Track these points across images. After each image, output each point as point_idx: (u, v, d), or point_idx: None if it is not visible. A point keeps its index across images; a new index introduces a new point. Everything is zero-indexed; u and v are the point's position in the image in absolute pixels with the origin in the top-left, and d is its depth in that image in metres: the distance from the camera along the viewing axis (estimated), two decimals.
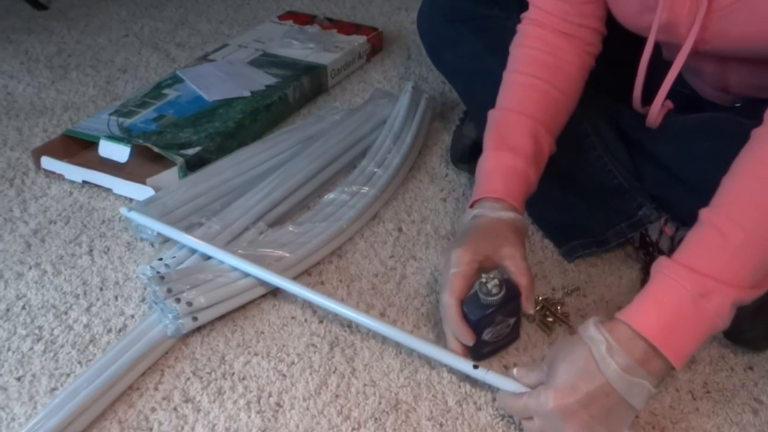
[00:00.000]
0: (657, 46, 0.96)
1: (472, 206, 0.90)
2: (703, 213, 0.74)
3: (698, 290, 0.70)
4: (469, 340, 0.83)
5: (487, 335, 0.85)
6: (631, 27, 0.92)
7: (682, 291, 0.71)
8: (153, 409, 0.83)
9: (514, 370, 0.79)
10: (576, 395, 0.72)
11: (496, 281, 0.82)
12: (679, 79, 0.99)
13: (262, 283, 0.96)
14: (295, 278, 1.00)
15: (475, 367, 0.82)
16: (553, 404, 0.72)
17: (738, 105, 0.99)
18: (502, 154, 0.89)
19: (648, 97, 0.96)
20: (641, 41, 0.93)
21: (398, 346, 0.90)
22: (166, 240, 1.07)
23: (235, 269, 0.96)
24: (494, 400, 0.83)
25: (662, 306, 0.72)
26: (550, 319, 0.93)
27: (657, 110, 0.95)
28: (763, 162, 0.73)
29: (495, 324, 0.84)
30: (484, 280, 0.82)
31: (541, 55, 0.94)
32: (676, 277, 0.71)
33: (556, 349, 0.76)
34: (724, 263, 0.71)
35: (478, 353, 0.86)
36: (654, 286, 0.73)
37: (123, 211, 1.05)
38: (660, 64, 0.93)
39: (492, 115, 0.94)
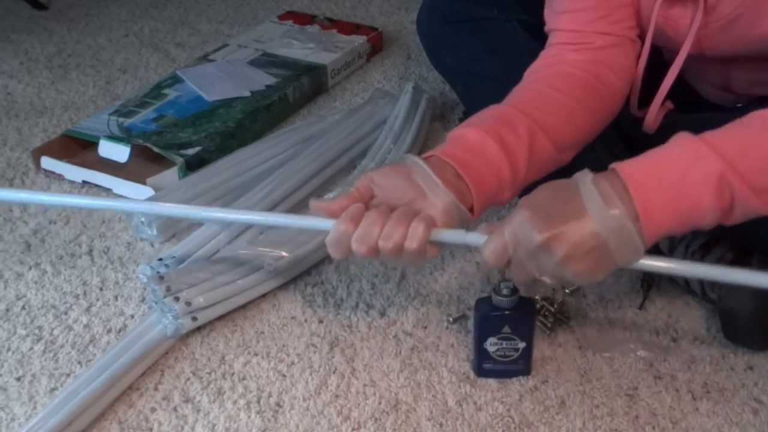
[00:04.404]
0: (658, 48, 0.96)
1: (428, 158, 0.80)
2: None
3: (692, 153, 0.68)
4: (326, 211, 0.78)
5: (491, 346, 0.84)
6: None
7: (675, 149, 0.69)
8: (153, 409, 0.83)
9: (481, 225, 0.75)
10: (546, 205, 0.70)
11: (509, 284, 0.82)
12: (680, 79, 1.00)
13: (261, 283, 0.96)
14: (295, 278, 1.00)
15: None
16: (524, 211, 0.69)
17: (740, 105, 0.99)
18: (457, 128, 0.81)
19: (648, 97, 0.96)
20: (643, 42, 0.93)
21: (398, 346, 0.90)
22: (167, 240, 1.07)
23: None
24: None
25: (650, 156, 0.70)
26: (551, 320, 0.93)
27: (654, 115, 0.94)
28: None
29: (501, 336, 0.83)
30: (501, 285, 0.82)
31: (550, 70, 0.89)
32: (678, 139, 0.70)
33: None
34: (727, 138, 0.68)
35: (478, 365, 0.86)
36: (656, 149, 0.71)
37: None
38: (660, 65, 0.93)
39: (494, 107, 0.86)
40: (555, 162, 0.85)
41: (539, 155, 0.82)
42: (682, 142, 0.70)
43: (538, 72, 0.89)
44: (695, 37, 0.84)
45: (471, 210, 0.78)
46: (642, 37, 0.91)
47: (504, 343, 0.84)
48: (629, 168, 0.69)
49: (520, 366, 0.85)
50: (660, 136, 0.97)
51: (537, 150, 0.81)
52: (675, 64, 0.87)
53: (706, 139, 0.69)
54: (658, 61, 0.94)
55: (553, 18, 0.91)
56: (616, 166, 0.70)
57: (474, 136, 0.79)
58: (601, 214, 0.67)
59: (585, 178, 0.70)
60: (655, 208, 0.68)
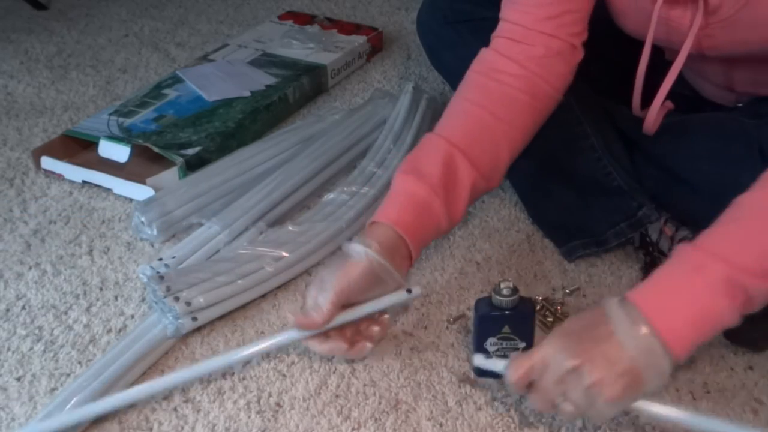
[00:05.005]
0: (660, 48, 0.96)
1: (371, 225, 0.85)
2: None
3: (692, 266, 0.69)
4: (316, 321, 0.81)
5: (491, 346, 0.84)
6: (636, 36, 0.93)
7: (677, 265, 0.71)
8: (153, 409, 0.83)
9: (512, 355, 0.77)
10: (576, 331, 0.72)
11: (510, 284, 0.82)
12: (680, 80, 1.00)
13: (261, 283, 0.96)
14: (295, 278, 1.00)
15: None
16: (554, 339, 0.71)
17: (740, 105, 0.99)
18: (407, 177, 0.85)
19: (648, 99, 0.96)
20: (640, 43, 0.93)
21: (398, 346, 0.90)
22: (167, 240, 1.07)
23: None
24: (493, 399, 0.83)
25: (657, 280, 0.72)
26: (550, 319, 0.93)
27: (654, 116, 0.94)
28: None
29: (501, 336, 0.83)
30: (501, 285, 0.82)
31: (484, 80, 0.90)
32: (677, 253, 0.71)
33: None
34: (720, 237, 0.70)
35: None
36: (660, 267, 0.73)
37: None
38: (662, 65, 0.93)
39: (423, 137, 0.90)
40: (485, 192, 0.92)
41: (474, 196, 0.88)
42: (681, 258, 0.71)
43: (481, 86, 0.90)
44: (696, 37, 0.85)
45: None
46: (642, 37, 0.91)
47: (504, 343, 0.83)
48: (641, 297, 0.71)
49: None
50: (660, 137, 0.98)
51: (474, 194, 0.88)
52: (675, 64, 0.88)
53: (702, 247, 0.70)
54: (661, 61, 0.94)
55: (507, 7, 0.92)
56: (630, 296, 0.71)
57: (423, 195, 0.84)
58: (630, 336, 0.69)
59: (611, 302, 0.72)
60: (676, 329, 0.69)
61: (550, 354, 0.71)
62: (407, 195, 0.85)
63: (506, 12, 0.92)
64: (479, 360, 0.80)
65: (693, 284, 0.69)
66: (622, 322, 0.70)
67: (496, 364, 0.78)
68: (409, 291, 0.85)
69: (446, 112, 0.91)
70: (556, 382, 0.71)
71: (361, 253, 0.81)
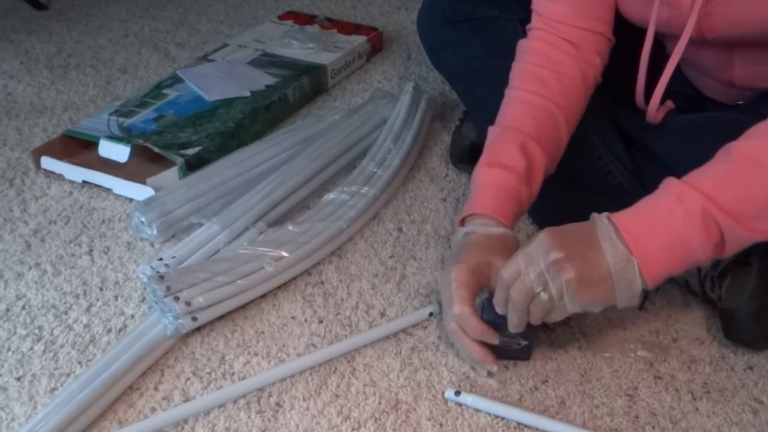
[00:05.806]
0: (661, 45, 0.96)
1: (463, 221, 0.90)
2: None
3: (674, 195, 0.73)
4: (494, 338, 0.83)
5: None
6: (638, 22, 0.93)
7: (662, 194, 0.74)
8: (153, 409, 0.83)
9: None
10: (563, 230, 0.77)
11: None
12: (682, 79, 1.00)
13: (261, 283, 0.96)
14: (295, 278, 1.00)
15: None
16: (540, 235, 0.76)
17: (741, 103, 0.99)
18: (493, 170, 0.89)
19: (649, 96, 0.97)
20: (641, 39, 0.93)
21: (398, 345, 0.90)
22: (167, 240, 1.07)
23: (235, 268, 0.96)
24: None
25: (639, 205, 0.76)
26: None
27: (657, 100, 0.95)
28: None
29: (506, 335, 0.83)
30: None
31: (540, 70, 0.93)
32: (664, 184, 0.75)
33: None
34: (705, 176, 0.73)
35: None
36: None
37: None
38: (663, 63, 0.93)
39: (490, 131, 0.94)
40: (547, 176, 0.94)
41: (545, 178, 0.93)
42: (665, 187, 0.75)
43: (538, 77, 0.93)
44: (697, 17, 0.85)
45: None
46: (644, 23, 0.91)
47: (507, 339, 0.84)
48: (622, 218, 0.75)
49: (522, 354, 0.87)
50: (661, 136, 0.98)
51: (545, 177, 0.93)
52: (678, 45, 0.88)
53: (687, 180, 0.74)
54: (662, 59, 0.94)
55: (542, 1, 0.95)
56: (614, 217, 0.75)
57: (514, 185, 0.89)
58: (612, 248, 0.73)
59: (601, 216, 0.76)
60: (649, 251, 0.73)
61: (536, 247, 0.76)
62: (499, 186, 0.89)
63: (538, 4, 0.95)
64: (450, 395, 0.83)
65: (673, 212, 0.72)
66: (608, 233, 0.74)
67: (465, 399, 0.83)
68: (431, 314, 0.93)
69: (506, 104, 0.94)
70: (539, 274, 0.75)
71: (461, 231, 0.88)
